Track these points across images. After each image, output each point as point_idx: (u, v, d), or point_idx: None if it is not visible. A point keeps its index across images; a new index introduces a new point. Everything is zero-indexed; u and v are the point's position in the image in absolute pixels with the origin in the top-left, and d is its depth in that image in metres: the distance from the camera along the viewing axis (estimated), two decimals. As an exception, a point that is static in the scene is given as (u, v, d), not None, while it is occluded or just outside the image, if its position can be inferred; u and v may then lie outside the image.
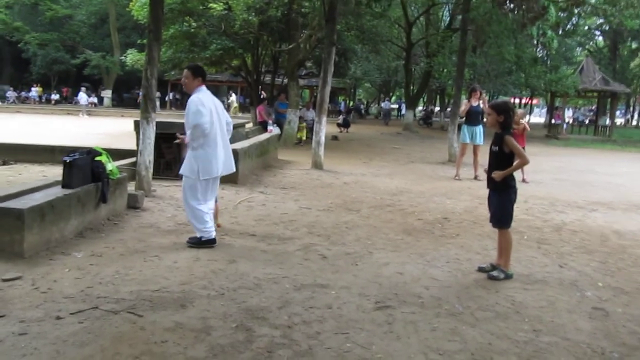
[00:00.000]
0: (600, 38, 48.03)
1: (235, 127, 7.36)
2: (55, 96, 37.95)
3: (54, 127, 19.97)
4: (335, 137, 19.34)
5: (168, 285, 4.03)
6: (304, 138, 16.54)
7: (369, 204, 7.65)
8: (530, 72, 23.42)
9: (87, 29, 38.69)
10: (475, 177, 10.45)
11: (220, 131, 5.12)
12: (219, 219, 5.81)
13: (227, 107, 29.96)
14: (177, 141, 5.45)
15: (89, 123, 23.95)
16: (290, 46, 16.74)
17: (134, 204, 6.38)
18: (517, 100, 41.82)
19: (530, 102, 45.45)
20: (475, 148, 10.70)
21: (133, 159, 8.07)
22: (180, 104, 34.79)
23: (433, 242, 5.70)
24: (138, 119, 7.49)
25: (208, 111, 4.94)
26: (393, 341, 3.28)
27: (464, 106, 10.91)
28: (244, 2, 15.26)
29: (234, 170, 5.44)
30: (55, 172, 7.17)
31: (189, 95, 5.12)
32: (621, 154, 19.86)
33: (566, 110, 34.73)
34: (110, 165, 5.78)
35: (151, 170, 7.31)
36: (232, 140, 5.84)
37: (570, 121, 36.92)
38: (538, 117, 58.58)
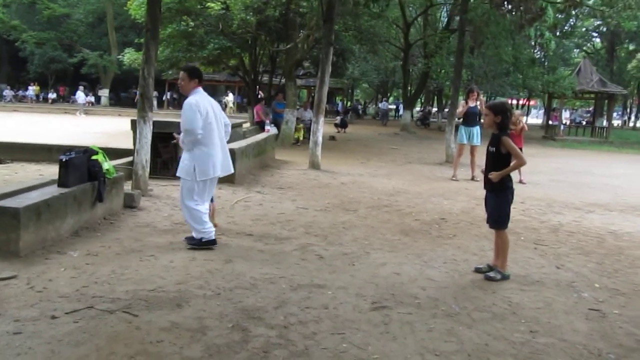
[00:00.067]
0: (598, 40, 48.17)
1: (233, 127, 7.35)
2: (52, 95, 37.89)
3: (51, 126, 19.92)
4: (332, 138, 19.34)
5: (164, 284, 4.02)
6: (301, 138, 16.53)
7: (366, 204, 7.64)
8: (527, 73, 23.45)
9: (85, 27, 38.61)
10: (473, 178, 10.46)
11: (217, 132, 5.09)
12: (216, 219, 5.80)
13: (224, 107, 29.93)
14: (174, 141, 5.43)
15: (86, 122, 23.90)
16: (288, 46, 16.73)
17: (130, 203, 6.37)
18: (514, 102, 41.87)
19: (527, 103, 45.52)
20: (473, 149, 10.70)
21: (130, 158, 8.05)
22: (178, 103, 34.70)
23: (430, 242, 5.70)
24: (135, 118, 7.48)
25: (204, 113, 4.90)
26: (389, 342, 3.27)
27: (461, 108, 10.90)
28: (241, 1, 15.27)
29: (232, 171, 5.41)
30: (52, 171, 7.13)
31: (186, 96, 5.09)
32: (618, 155, 19.91)
33: (563, 111, 34.78)
34: (107, 164, 5.76)
35: (148, 170, 7.29)
36: (229, 140, 5.81)
37: (568, 122, 36.95)
38: (535, 118, 58.67)
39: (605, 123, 29.08)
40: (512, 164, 4.55)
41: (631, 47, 42.66)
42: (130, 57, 19.14)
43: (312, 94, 25.42)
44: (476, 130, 10.67)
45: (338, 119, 25.83)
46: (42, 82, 39.30)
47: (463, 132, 10.71)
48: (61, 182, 5.19)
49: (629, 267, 5.17)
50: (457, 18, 19.57)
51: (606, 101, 29.53)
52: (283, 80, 18.78)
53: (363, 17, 17.34)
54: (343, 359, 3.03)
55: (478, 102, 10.62)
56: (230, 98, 35.56)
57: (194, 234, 5.15)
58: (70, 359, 2.87)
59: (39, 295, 3.68)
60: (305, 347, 3.14)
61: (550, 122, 30.35)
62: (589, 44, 48.66)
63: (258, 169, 10.22)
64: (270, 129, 13.04)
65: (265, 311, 3.61)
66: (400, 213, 7.14)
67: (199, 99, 4.94)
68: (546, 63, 34.01)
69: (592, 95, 29.64)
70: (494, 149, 4.58)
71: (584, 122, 38.59)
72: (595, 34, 46.65)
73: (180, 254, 4.82)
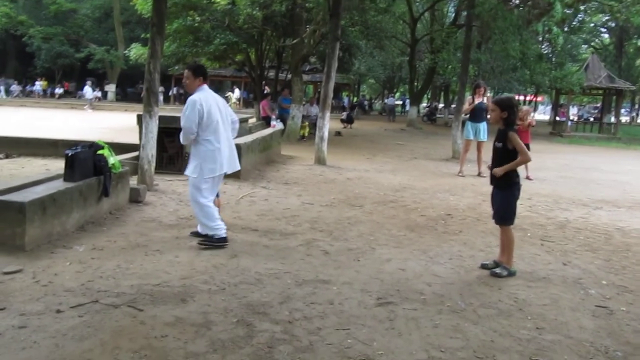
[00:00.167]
0: (606, 35, 47.81)
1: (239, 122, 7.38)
2: (59, 90, 38.00)
3: (58, 121, 19.99)
4: (338, 133, 19.30)
5: (169, 279, 4.02)
6: (306, 135, 16.50)
7: (372, 199, 7.62)
8: (535, 69, 23.31)
9: (91, 23, 38.71)
10: (479, 174, 10.41)
11: (224, 129, 5.08)
12: (221, 214, 5.78)
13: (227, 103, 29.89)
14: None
15: (93, 117, 23.97)
16: (294, 41, 16.69)
17: (136, 198, 6.37)
18: (521, 97, 41.67)
19: (534, 99, 45.28)
20: (479, 144, 10.65)
21: (136, 153, 8.05)
22: (184, 98, 34.68)
23: (436, 238, 5.68)
24: (141, 113, 7.48)
25: (207, 110, 4.87)
26: (394, 338, 3.26)
27: (467, 105, 10.83)
28: (247, -4, 15.22)
29: (239, 168, 5.38)
30: (58, 165, 7.15)
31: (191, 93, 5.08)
32: (626, 151, 19.76)
33: (571, 107, 34.55)
34: (113, 159, 5.77)
35: (154, 165, 7.29)
36: (237, 136, 5.79)
37: (575, 119, 36.74)
38: (542, 114, 58.38)
39: (613, 119, 28.87)
40: (516, 159, 4.51)
41: (640, 43, 42.37)
42: (136, 52, 19.13)
43: (319, 90, 25.35)
44: (483, 126, 10.61)
45: (344, 114, 25.78)
46: (49, 77, 39.42)
47: (470, 128, 10.65)
48: (67, 176, 5.20)
49: (636, 264, 5.13)
50: (464, 13, 19.46)
51: (614, 97, 29.28)
52: (289, 76, 18.74)
53: (369, 12, 17.25)
54: (348, 354, 3.02)
55: (485, 98, 10.56)
56: (236, 94, 35.54)
57: (199, 229, 5.15)
58: (75, 353, 2.87)
59: (44, 290, 3.69)
60: (310, 342, 3.13)
61: (557, 118, 30.18)
62: (597, 40, 48.31)
63: (264, 164, 10.21)
64: (276, 125, 13.04)
65: (270, 306, 3.61)
66: (406, 209, 7.11)
67: (203, 97, 4.92)
68: (554, 59, 33.81)
69: (600, 91, 29.41)
70: (501, 144, 4.55)
71: (592, 118, 38.36)
72: (603, 30, 46.32)
73: (185, 248, 4.82)
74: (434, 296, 3.97)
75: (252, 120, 16.18)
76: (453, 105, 22.96)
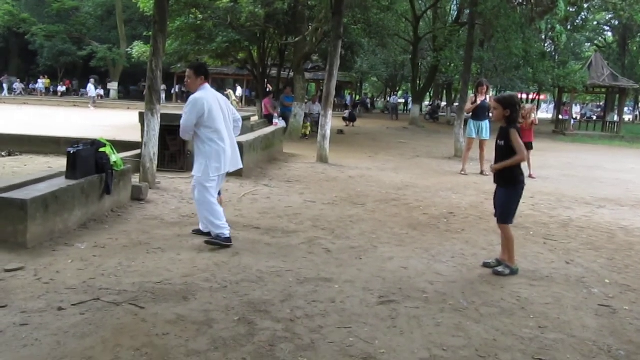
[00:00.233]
0: (610, 33, 47.64)
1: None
2: (62, 88, 38.05)
3: (60, 119, 20.01)
4: (341, 131, 19.29)
5: (170, 277, 4.01)
6: (308, 133, 16.48)
7: (374, 198, 7.61)
8: (538, 67, 23.23)
9: (94, 21, 38.74)
10: (482, 172, 10.39)
11: (226, 127, 5.07)
12: (224, 212, 5.78)
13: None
14: None
15: (95, 115, 23.99)
16: (297, 39, 16.67)
17: (138, 196, 6.37)
18: (524, 96, 41.57)
19: (537, 97, 45.18)
20: (482, 143, 10.63)
21: (138, 151, 8.06)
22: (186, 96, 34.70)
23: (438, 236, 5.66)
24: (143, 111, 7.47)
25: (208, 109, 4.85)
26: (396, 336, 3.25)
27: (469, 103, 10.79)
28: (250, -6, 15.20)
29: (241, 166, 5.38)
30: (61, 163, 7.17)
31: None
32: (629, 150, 19.71)
33: (574, 106, 34.49)
34: (115, 157, 5.77)
35: (156, 162, 7.29)
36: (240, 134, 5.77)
37: (578, 117, 36.65)
38: (545, 112, 58.24)
39: (616, 118, 28.78)
40: (513, 157, 4.49)
41: (643, 41, 42.19)
42: (138, 50, 19.15)
43: (321, 88, 25.34)
44: (485, 124, 10.59)
45: (346, 112, 25.75)
46: (51, 75, 39.50)
47: (472, 126, 10.63)
48: (69, 174, 5.20)
49: (639, 262, 5.11)
50: (467, 11, 19.40)
51: (617, 96, 29.22)
52: (291, 74, 18.72)
53: (372, 10, 17.22)
54: (349, 353, 3.01)
55: (488, 96, 10.53)
56: (238, 92, 35.50)
57: (201, 227, 5.15)
58: (76, 351, 2.87)
59: (45, 287, 3.69)
60: (312, 340, 3.12)
61: (560, 117, 30.13)
62: (600, 38, 48.13)
63: (266, 162, 10.21)
64: (279, 123, 13.03)
65: (271, 304, 3.60)
66: (408, 207, 7.10)
67: (204, 96, 4.92)
68: (557, 57, 33.72)
69: (603, 90, 29.36)
70: (503, 142, 4.54)
71: (595, 117, 38.26)
72: (607, 28, 46.15)
73: (187, 246, 4.82)
74: (436, 295, 3.96)
75: (255, 119, 16.17)
76: (455, 104, 22.93)
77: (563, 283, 4.38)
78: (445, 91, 41.42)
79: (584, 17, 33.07)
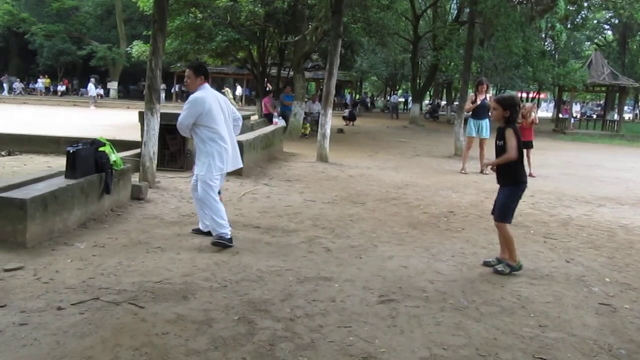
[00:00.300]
0: (610, 32, 47.59)
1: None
2: (61, 87, 38.04)
3: (60, 119, 20.00)
4: (341, 130, 19.27)
5: (170, 276, 4.01)
6: (307, 133, 16.47)
7: (374, 197, 7.60)
8: (538, 66, 23.19)
9: (94, 20, 38.72)
10: (482, 171, 10.38)
11: (226, 127, 5.06)
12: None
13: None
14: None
15: (95, 115, 23.97)
16: (296, 38, 16.65)
17: (137, 195, 6.37)
18: (524, 94, 41.55)
19: (537, 96, 45.16)
20: (482, 142, 10.61)
21: (137, 150, 8.05)
22: (186, 96, 34.70)
23: (438, 235, 5.66)
24: (143, 110, 7.47)
25: (207, 109, 4.84)
26: (396, 335, 3.24)
27: (469, 103, 10.77)
28: (250, -7, 15.18)
29: (241, 165, 5.37)
30: (60, 162, 7.14)
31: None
32: (629, 149, 19.71)
33: (574, 104, 34.47)
34: (114, 156, 5.76)
35: (155, 162, 7.28)
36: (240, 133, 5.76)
37: (578, 116, 36.63)
38: (545, 111, 58.22)
39: (616, 116, 28.76)
40: (504, 155, 4.48)
41: (643, 40, 42.12)
42: (138, 49, 19.13)
43: (321, 87, 25.33)
44: (485, 123, 10.58)
45: (346, 111, 25.73)
46: (51, 74, 39.48)
47: (472, 125, 10.62)
48: (68, 173, 5.19)
49: (640, 261, 5.11)
50: (467, 10, 19.38)
51: (617, 94, 29.19)
52: (291, 73, 18.71)
53: (372, 8, 17.20)
54: (350, 352, 3.01)
55: (488, 95, 10.52)
56: (238, 91, 35.47)
57: (201, 227, 5.15)
58: (76, 351, 2.86)
59: (45, 287, 3.68)
60: (312, 340, 3.12)
61: (560, 116, 30.11)
62: (600, 36, 48.07)
63: (266, 162, 10.20)
64: (278, 122, 13.01)
65: (271, 304, 3.59)
66: (408, 206, 7.09)
67: (204, 95, 4.91)
68: (557, 55, 33.69)
69: (603, 88, 29.35)
70: (502, 142, 4.53)
71: (595, 116, 38.24)
72: (607, 26, 46.07)
73: (187, 246, 4.81)
74: (436, 293, 3.96)
75: (254, 118, 16.15)
76: (455, 103, 22.92)
77: (563, 282, 4.38)
78: (445, 90, 41.41)
79: (584, 15, 33.05)
